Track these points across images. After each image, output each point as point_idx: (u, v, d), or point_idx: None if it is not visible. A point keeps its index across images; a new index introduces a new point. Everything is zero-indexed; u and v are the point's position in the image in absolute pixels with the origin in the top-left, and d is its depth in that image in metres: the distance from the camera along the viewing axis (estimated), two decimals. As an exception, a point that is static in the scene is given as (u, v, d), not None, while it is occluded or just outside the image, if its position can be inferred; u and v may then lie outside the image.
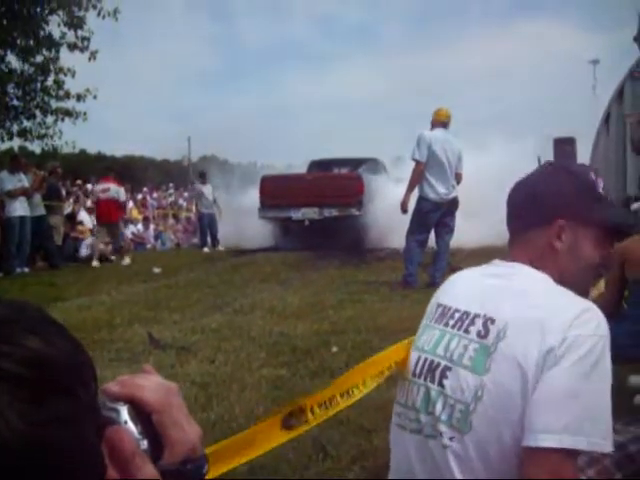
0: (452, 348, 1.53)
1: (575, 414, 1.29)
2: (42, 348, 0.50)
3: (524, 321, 1.41)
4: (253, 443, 1.63)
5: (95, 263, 12.93)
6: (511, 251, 1.62)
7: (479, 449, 1.41)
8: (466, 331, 1.52)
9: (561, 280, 1.53)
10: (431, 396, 1.53)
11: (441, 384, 1.51)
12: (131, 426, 0.64)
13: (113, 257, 14.13)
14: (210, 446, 1.53)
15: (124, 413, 0.64)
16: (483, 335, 1.47)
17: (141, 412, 0.66)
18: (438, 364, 1.54)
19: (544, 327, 1.37)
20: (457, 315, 1.58)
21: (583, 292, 1.61)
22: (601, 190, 1.59)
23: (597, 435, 1.29)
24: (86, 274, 11.15)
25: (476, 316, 1.52)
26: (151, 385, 0.69)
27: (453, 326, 1.57)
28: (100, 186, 13.94)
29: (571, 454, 1.30)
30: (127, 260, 13.23)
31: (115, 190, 13.48)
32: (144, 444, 0.63)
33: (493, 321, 1.47)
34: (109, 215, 13.29)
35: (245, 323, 6.24)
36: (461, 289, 1.66)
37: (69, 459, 0.49)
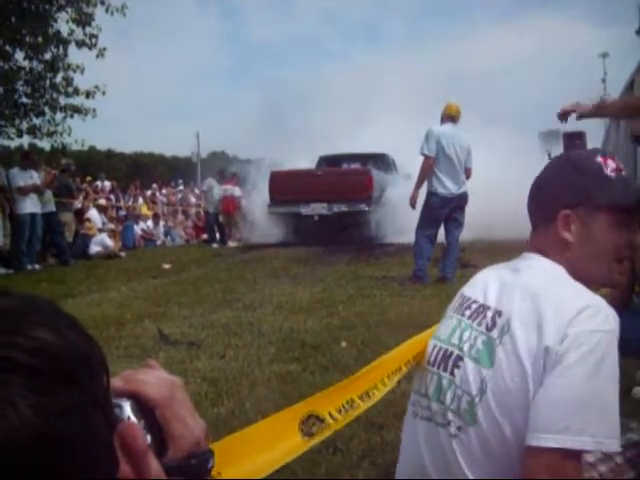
0: (465, 339, 1.52)
1: (578, 414, 1.27)
2: (53, 340, 0.49)
3: (525, 315, 1.39)
4: (274, 454, 1.57)
5: (215, 245, 16.37)
6: (530, 246, 1.60)
7: (483, 443, 1.39)
8: (478, 323, 1.52)
9: (578, 271, 1.49)
10: (442, 385, 1.53)
11: (452, 373, 1.51)
12: (134, 421, 0.63)
13: (122, 254, 14.31)
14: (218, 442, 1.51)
15: (127, 409, 0.63)
16: (490, 328, 1.47)
17: (144, 407, 0.65)
18: (451, 353, 1.54)
19: (543, 323, 1.34)
20: (474, 306, 1.57)
21: (607, 281, 1.59)
22: (610, 171, 1.50)
23: (603, 435, 1.26)
24: (96, 271, 11.19)
25: (488, 308, 1.52)
26: (154, 380, 0.68)
27: (469, 317, 1.56)
28: (224, 186, 17.06)
29: (574, 454, 1.27)
30: (234, 243, 16.40)
31: (235, 190, 17.07)
32: (147, 439, 0.63)
33: (500, 314, 1.46)
34: (229, 208, 16.87)
35: (255, 319, 6.24)
36: (483, 281, 1.64)
37: (81, 452, 0.48)
